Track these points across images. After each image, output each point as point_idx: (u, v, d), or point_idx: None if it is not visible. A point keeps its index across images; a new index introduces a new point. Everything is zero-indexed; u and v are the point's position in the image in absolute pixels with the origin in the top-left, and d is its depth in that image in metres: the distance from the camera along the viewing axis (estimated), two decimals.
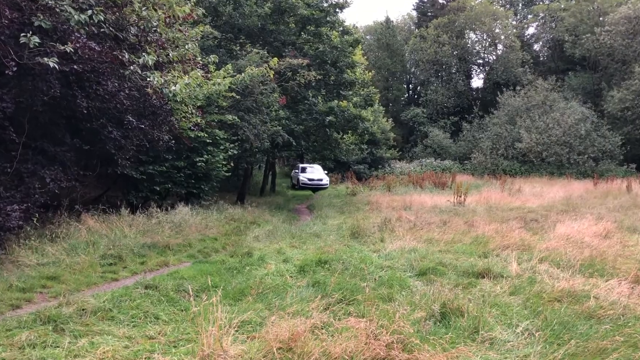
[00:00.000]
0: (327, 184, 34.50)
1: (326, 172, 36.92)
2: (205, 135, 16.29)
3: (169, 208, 14.91)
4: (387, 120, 49.57)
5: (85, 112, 9.78)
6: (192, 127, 14.60)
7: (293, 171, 38.29)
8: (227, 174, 17.81)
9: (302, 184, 33.98)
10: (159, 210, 14.20)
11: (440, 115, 56.95)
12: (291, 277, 8.91)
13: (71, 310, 6.40)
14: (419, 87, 63.43)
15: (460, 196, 20.27)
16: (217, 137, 17.12)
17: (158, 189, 15.81)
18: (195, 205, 16.11)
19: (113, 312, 6.60)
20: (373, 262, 9.59)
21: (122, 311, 6.64)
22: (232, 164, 17.99)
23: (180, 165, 16.23)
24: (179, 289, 7.90)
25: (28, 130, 9.40)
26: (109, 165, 13.17)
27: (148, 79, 10.06)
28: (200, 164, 16.45)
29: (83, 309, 6.51)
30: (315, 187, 33.62)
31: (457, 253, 10.67)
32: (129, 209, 13.39)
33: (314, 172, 35.08)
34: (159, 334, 5.94)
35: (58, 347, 5.34)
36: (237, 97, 17.19)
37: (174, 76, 10.81)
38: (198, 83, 11.68)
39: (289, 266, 9.65)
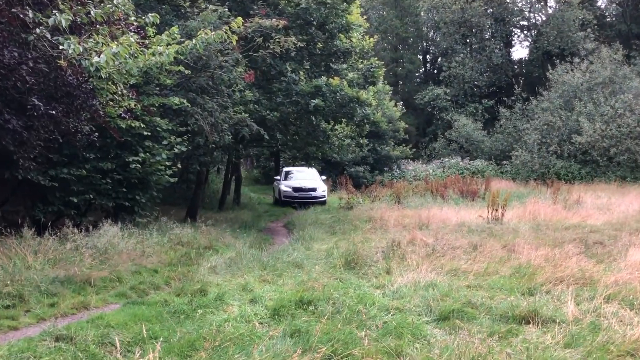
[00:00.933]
0: (324, 196, 34.11)
1: (324, 177, 37.43)
2: (142, 125, 16.25)
3: (91, 228, 14.84)
4: (396, 105, 49.89)
5: None
6: (122, 114, 14.54)
7: (275, 180, 37.86)
8: (171, 180, 17.78)
9: (284, 196, 33.69)
10: (76, 230, 14.11)
11: (469, 97, 57.48)
12: (261, 323, 8.92)
13: None
14: (439, 59, 63.93)
15: (496, 210, 20.40)
16: (158, 129, 17.08)
17: (75, 200, 15.73)
18: (128, 224, 16.03)
19: None
20: (375, 302, 9.61)
21: None
22: (179, 166, 17.94)
23: (107, 168, 16.17)
24: (102, 342, 7.89)
25: None
26: (5, 167, 13.08)
27: (61, 47, 9.99)
28: (134, 165, 16.40)
29: None
30: (304, 200, 32.87)
31: (492, 289, 10.72)
32: (33, 228, 13.29)
33: (303, 179, 34.82)
34: None
35: None
36: (187, 72, 17.15)
37: (97, 43, 10.74)
38: (131, 52, 11.61)
39: (259, 308, 9.66)
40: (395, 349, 7.44)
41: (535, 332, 8.13)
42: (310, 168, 36.24)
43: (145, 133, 16.55)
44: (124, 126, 15.75)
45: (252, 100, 21.72)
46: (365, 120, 26.52)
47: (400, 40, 62.87)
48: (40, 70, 11.04)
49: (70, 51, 10.07)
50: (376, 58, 27.98)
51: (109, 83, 12.62)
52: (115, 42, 10.78)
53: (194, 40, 12.45)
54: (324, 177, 36.75)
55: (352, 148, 36.46)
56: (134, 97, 14.66)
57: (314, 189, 33.65)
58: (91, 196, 16.06)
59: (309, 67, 23.78)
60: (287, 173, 36.00)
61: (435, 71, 64.11)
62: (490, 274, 11.94)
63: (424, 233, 17.30)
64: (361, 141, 35.89)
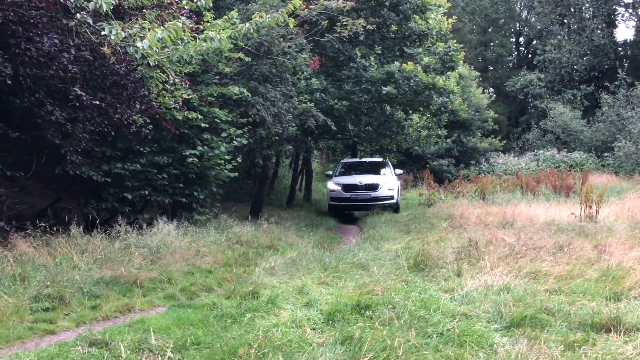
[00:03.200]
0: (391, 197, 26.15)
1: (400, 171, 29.21)
2: (200, 117, 16.36)
3: (145, 225, 15.01)
4: (484, 92, 49.14)
5: (9, 82, 9.87)
6: (175, 105, 14.65)
7: (327, 177, 29.95)
8: (231, 175, 17.84)
9: (331, 198, 26.59)
10: (129, 228, 14.31)
11: (566, 83, 56.18)
12: (313, 329, 8.85)
13: None
14: (534, 42, 62.65)
15: (590, 207, 19.77)
16: (216, 120, 17.16)
17: (130, 197, 15.91)
18: (185, 222, 16.18)
19: None
20: (440, 308, 9.40)
21: None
22: (238, 160, 18.02)
23: (163, 162, 16.33)
24: (140, 348, 7.89)
25: None
26: (56, 162, 13.33)
27: (102, 33, 10.10)
28: (191, 159, 16.52)
29: None
30: (360, 204, 26.17)
31: (574, 294, 10.37)
32: (82, 226, 13.49)
33: (361, 175, 26.98)
34: None
35: None
36: (247, 59, 17.20)
37: (143, 28, 10.81)
38: (180, 38, 11.67)
39: (313, 313, 9.58)
40: (456, 359, 7.27)
41: (616, 342, 7.81)
42: (381, 160, 29.85)
43: (203, 125, 16.66)
44: (180, 118, 15.87)
45: (318, 88, 21.66)
46: (442, 109, 26.14)
47: (490, 21, 61.91)
48: (83, 58, 11.19)
49: (113, 37, 10.17)
50: (455, 40, 27.41)
51: (158, 71, 12.70)
52: (162, 28, 10.81)
53: (247, 24, 12.39)
54: (399, 172, 28.62)
55: (434, 139, 34.51)
56: (188, 86, 14.73)
57: (374, 187, 25.48)
58: (146, 192, 16.22)
59: (380, 52, 23.55)
60: (346, 167, 28.95)
61: (530, 55, 62.89)
62: (574, 277, 11.54)
63: (506, 232, 16.89)
64: (439, 132, 32.58)
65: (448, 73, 27.27)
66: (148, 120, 14.73)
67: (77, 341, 7.94)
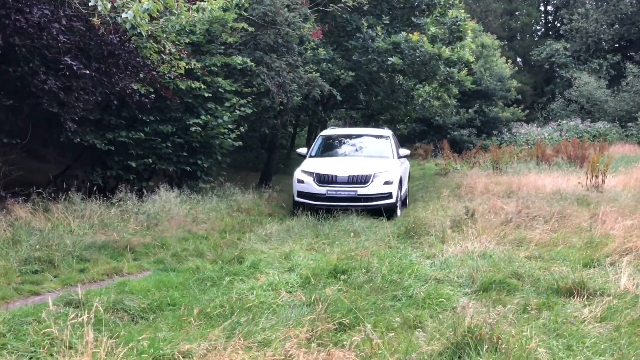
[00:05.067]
0: (388, 194, 17.10)
1: (406, 152, 20.19)
2: (203, 86, 16.57)
3: (149, 193, 15.31)
4: (508, 62, 48.71)
5: (0, 52, 10.15)
6: (171, 75, 14.85)
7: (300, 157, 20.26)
8: (235, 144, 18.06)
9: (297, 196, 17.38)
10: (132, 195, 14.64)
11: (592, 52, 55.40)
12: (290, 292, 9.05)
13: None
14: (561, 11, 61.86)
15: (595, 176, 19.75)
16: (220, 90, 17.36)
17: (134, 165, 16.23)
18: (188, 190, 16.48)
19: (6, 338, 6.90)
20: (415, 272, 9.59)
21: (20, 337, 6.93)
22: (241, 130, 18.21)
23: (167, 131, 16.60)
24: (115, 308, 8.16)
25: None
26: (60, 131, 13.64)
27: (90, 4, 10.32)
28: (195, 128, 16.76)
29: None
30: (337, 204, 16.68)
31: (552, 260, 10.54)
32: (83, 193, 13.82)
33: (346, 158, 18.77)
34: None
35: None
36: (250, 29, 17.35)
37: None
38: (173, 9, 11.87)
39: (292, 277, 9.78)
40: (414, 320, 7.45)
41: (577, 306, 7.95)
42: (381, 131, 20.75)
43: (206, 94, 16.88)
44: (184, 87, 16.11)
45: (325, 58, 21.73)
46: (448, 80, 26.04)
47: None
48: (76, 28, 11.42)
49: (100, 8, 10.39)
50: (463, 10, 27.22)
51: (151, 41, 12.90)
52: None
53: None
54: (405, 152, 20.01)
55: (449, 110, 33.92)
56: (185, 56, 14.92)
57: (363, 179, 16.94)
58: (151, 161, 16.52)
59: (388, 22, 23.50)
60: (328, 143, 19.99)
61: (558, 24, 62.16)
62: (558, 244, 11.67)
63: (508, 201, 16.99)
64: (449, 102, 31.81)
65: (462, 43, 27.06)
66: (151, 90, 14.97)
67: (55, 301, 8.20)
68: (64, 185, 13.95)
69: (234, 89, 17.76)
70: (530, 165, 28.99)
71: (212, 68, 17.15)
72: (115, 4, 10.66)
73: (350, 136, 20.56)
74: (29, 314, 7.64)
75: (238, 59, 17.36)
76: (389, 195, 17.05)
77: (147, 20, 11.17)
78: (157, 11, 10.95)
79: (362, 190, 16.83)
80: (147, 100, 14.44)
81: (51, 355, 6.42)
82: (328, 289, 8.56)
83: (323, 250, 11.86)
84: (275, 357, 6.00)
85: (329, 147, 19.68)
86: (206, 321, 7.55)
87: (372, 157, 18.47)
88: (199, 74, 16.45)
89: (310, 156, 18.76)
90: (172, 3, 11.41)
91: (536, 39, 62.55)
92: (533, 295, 8.50)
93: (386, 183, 17.11)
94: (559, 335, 6.85)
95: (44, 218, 12.35)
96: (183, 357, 6.19)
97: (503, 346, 5.94)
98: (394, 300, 8.45)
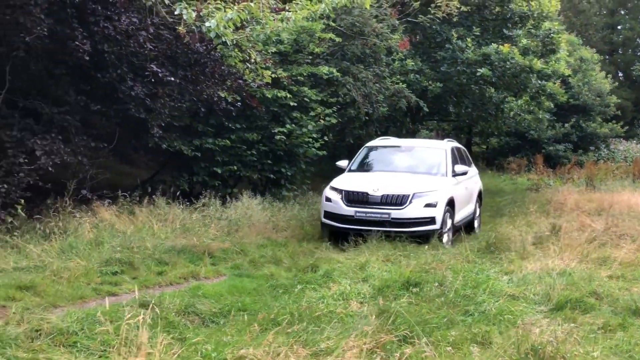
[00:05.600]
0: (430, 220, 14.21)
1: (466, 169, 16.14)
2: (289, 95, 16.75)
3: (233, 200, 15.55)
4: (607, 77, 47.49)
5: (87, 58, 10.51)
6: (254, 85, 15.04)
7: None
8: (319, 153, 18.18)
9: (325, 215, 14.75)
10: (215, 200, 14.94)
11: None
12: (361, 303, 9.06)
13: (20, 331, 6.98)
14: None
15: None
16: (306, 99, 17.51)
17: (219, 171, 16.53)
18: (272, 197, 16.69)
19: (78, 336, 7.12)
20: (490, 288, 9.45)
21: (91, 336, 7.14)
22: (325, 139, 18.31)
23: (252, 139, 16.85)
24: (186, 311, 8.33)
25: (10, 82, 10.28)
26: (142, 135, 14.03)
27: (175, 13, 10.58)
28: (279, 137, 16.94)
29: (37, 330, 7.07)
30: (367, 228, 13.89)
31: (635, 280, 10.28)
32: (164, 197, 14.15)
33: (386, 174, 15.59)
34: None
35: None
36: (337, 39, 17.46)
37: (218, 9, 11.21)
38: (259, 19, 12.05)
39: (365, 288, 9.78)
40: (484, 336, 7.35)
41: None
42: (437, 144, 18.10)
43: (292, 104, 17.05)
44: (269, 96, 16.33)
45: (413, 69, 21.66)
46: (540, 93, 25.53)
47: (619, 2, 59.59)
48: (163, 37, 11.73)
49: (185, 17, 10.64)
50: (557, 22, 26.71)
51: (236, 50, 13.12)
52: (234, 8, 11.19)
53: (323, 4, 12.63)
54: (464, 169, 16.02)
55: (547, 123, 32.75)
56: (270, 65, 15.11)
57: (398, 200, 14.11)
58: (235, 167, 16.78)
59: (479, 34, 23.27)
60: (372, 155, 16.93)
61: None
62: None
63: (597, 219, 16.58)
64: (540, 116, 30.99)
65: (557, 56, 26.53)
66: (237, 98, 15.24)
67: (130, 302, 8.42)
68: (149, 190, 14.30)
69: (319, 98, 17.89)
70: (626, 182, 28.20)
71: (299, 78, 17.32)
72: (200, 13, 10.88)
73: (399, 148, 16.99)
74: (103, 313, 7.85)
75: (324, 69, 17.49)
76: (431, 221, 14.04)
77: (232, 30, 11.34)
78: (243, 20, 11.12)
79: (396, 213, 13.92)
80: (232, 108, 14.69)
81: (119, 354, 6.58)
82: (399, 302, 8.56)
83: (399, 262, 11.78)
84: None
85: (372, 161, 16.63)
86: (273, 327, 7.61)
87: (418, 174, 15.29)
88: (285, 83, 16.63)
89: (350, 170, 15.86)
90: (258, 13, 11.55)
91: (639, 53, 60.83)
92: (609, 316, 8.29)
93: (428, 205, 14.06)
94: (631, 357, 6.67)
95: (128, 221, 12.70)
96: None
97: None
98: (465, 315, 8.35)
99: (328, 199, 14.64)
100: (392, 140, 17.42)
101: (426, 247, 12.89)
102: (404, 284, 9.63)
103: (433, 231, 13.98)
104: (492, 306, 8.59)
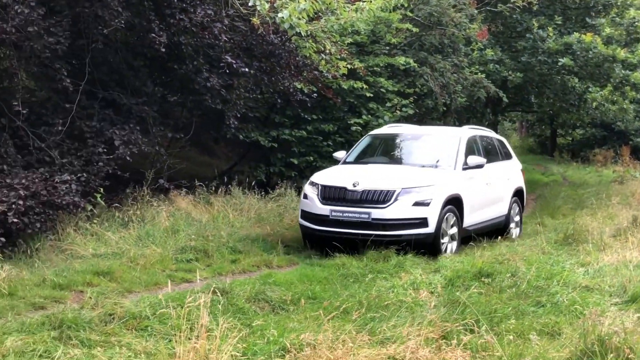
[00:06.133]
0: (421, 221, 11.75)
1: (479, 161, 13.26)
2: (365, 86, 16.76)
3: None
4: None
5: (164, 50, 10.76)
6: (329, 76, 15.09)
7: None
8: None
9: (302, 213, 12.44)
10: (291, 191, 15.13)
11: None
12: (431, 292, 9.03)
13: (94, 315, 7.23)
14: None
15: None
16: (382, 90, 17.49)
17: (296, 162, 16.69)
18: None
19: (150, 320, 7.32)
20: (563, 279, 9.30)
21: (162, 320, 7.33)
22: None
23: (328, 130, 16.95)
24: (256, 298, 8.46)
25: (90, 74, 10.62)
26: (220, 126, 14.28)
27: (249, 4, 10.73)
28: (355, 127, 16.99)
29: (110, 315, 7.31)
30: (346, 233, 11.80)
31: None
32: (240, 187, 14.39)
33: (378, 166, 13.24)
34: (189, 351, 6.49)
35: (48, 357, 6.13)
36: (414, 30, 17.40)
37: (293, 0, 11.31)
38: (333, 9, 12.12)
39: (436, 278, 9.77)
40: (553, 327, 7.27)
41: None
42: (452, 132, 14.99)
43: (368, 94, 17.05)
44: (346, 87, 16.39)
45: (492, 59, 21.39)
46: (623, 83, 24.80)
47: None
48: (239, 29, 11.91)
49: (259, 8, 10.77)
50: None
51: (310, 41, 13.22)
52: None
53: None
54: (478, 161, 13.18)
55: (630, 114, 31.76)
56: (345, 56, 15.15)
57: (380, 197, 11.68)
58: (312, 158, 16.91)
59: (560, 23, 22.80)
60: (373, 145, 14.45)
61: None
62: None
63: None
64: (624, 106, 29.73)
65: (638, 45, 25.74)
66: (314, 89, 15.36)
67: (203, 289, 8.60)
68: (227, 180, 14.54)
69: (396, 89, 17.84)
70: None
71: (375, 68, 17.33)
72: (274, 4, 10.99)
73: (405, 137, 14.24)
74: (176, 298, 8.04)
75: (401, 60, 17.45)
76: (422, 223, 11.59)
77: (305, 21, 11.42)
78: (317, 11, 11.21)
79: (378, 213, 11.47)
80: (308, 99, 14.79)
81: (189, 339, 6.72)
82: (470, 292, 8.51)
83: (473, 254, 11.72)
84: (396, 354, 6.02)
85: (372, 151, 14.15)
86: (342, 315, 7.67)
87: (416, 166, 12.80)
88: (361, 74, 16.65)
89: (345, 162, 13.54)
90: (332, 3, 11.61)
91: None
92: None
93: (419, 204, 11.58)
94: None
95: (204, 210, 12.97)
96: (309, 347, 6.34)
97: (630, 355, 5.69)
98: (537, 306, 8.24)
99: (305, 196, 12.35)
100: (400, 128, 14.61)
101: (504, 243, 12.70)
102: (475, 275, 9.56)
103: (425, 236, 11.56)
104: (565, 297, 8.46)
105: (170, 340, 6.81)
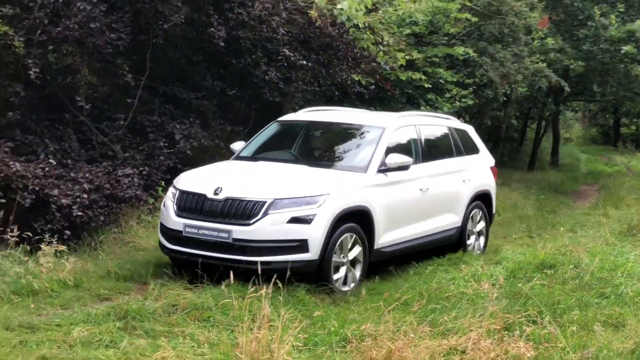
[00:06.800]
0: (297, 245, 8.57)
1: (401, 160, 9.73)
2: (423, 77, 16.70)
3: None
4: None
5: (223, 44, 10.90)
6: (386, 67, 15.08)
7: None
8: None
9: (160, 226, 9.51)
10: None
11: None
12: (493, 284, 8.97)
13: (157, 306, 7.38)
14: None
15: None
16: (441, 80, 17.41)
17: None
18: None
19: (212, 311, 7.44)
20: (628, 271, 9.18)
21: (225, 311, 7.45)
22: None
23: None
24: (317, 290, 8.54)
25: (150, 69, 10.81)
26: (273, 119, 14.43)
27: None
28: None
29: (174, 305, 7.46)
30: (202, 256, 8.72)
31: None
32: None
33: (267, 164, 10.05)
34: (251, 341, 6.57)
35: (114, 347, 6.28)
36: (474, 19, 17.29)
37: None
38: (391, 0, 12.15)
39: (498, 270, 9.73)
40: (617, 318, 7.22)
41: None
42: (376, 120, 10.87)
43: (426, 85, 16.98)
44: (404, 78, 16.33)
45: (553, 48, 21.11)
46: None
47: None
48: (296, 22, 12.00)
49: (317, 0, 10.83)
50: None
51: (368, 33, 13.27)
52: None
53: None
54: (399, 160, 9.66)
55: None
56: (402, 47, 15.13)
57: (248, 209, 8.58)
58: None
59: (623, 10, 22.42)
60: (280, 133, 11.25)
61: None
62: None
63: None
64: None
65: None
66: (372, 81, 15.36)
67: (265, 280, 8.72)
68: None
69: (455, 80, 17.74)
70: None
71: (434, 59, 17.25)
72: None
73: (320, 126, 11.13)
74: (237, 290, 8.12)
75: (460, 50, 17.35)
76: (299, 246, 8.55)
77: (363, 12, 11.45)
78: (375, 3, 11.24)
79: (240, 232, 8.51)
80: (365, 91, 14.81)
81: (250, 329, 6.80)
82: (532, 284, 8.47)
83: (535, 245, 11.62)
84: (458, 345, 6.04)
85: (276, 143, 10.99)
86: (402, 307, 7.69)
87: (322, 167, 9.78)
88: (419, 65, 16.60)
89: (238, 157, 10.48)
90: None
91: None
92: None
93: (295, 221, 8.56)
94: None
95: None
96: (370, 338, 6.38)
97: None
98: (600, 297, 8.18)
99: (164, 203, 9.49)
100: (316, 114, 11.24)
101: (567, 234, 12.49)
102: (537, 267, 9.49)
103: (304, 264, 8.55)
104: (629, 289, 8.38)
105: (232, 331, 6.92)
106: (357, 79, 14.77)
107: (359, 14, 11.22)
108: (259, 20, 11.41)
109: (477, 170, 11.88)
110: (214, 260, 8.60)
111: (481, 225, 11.88)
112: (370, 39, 13.49)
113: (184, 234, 8.79)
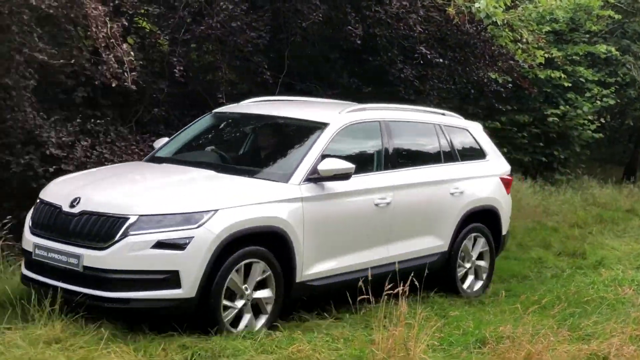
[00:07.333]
0: (162, 278, 6.22)
1: (339, 166, 7.23)
2: (563, 76, 16.32)
3: None
4: None
5: (359, 42, 10.98)
6: (525, 65, 14.77)
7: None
8: (595, 136, 17.64)
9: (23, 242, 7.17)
10: None
11: None
12: (635, 290, 8.74)
13: None
14: None
15: None
16: (581, 79, 16.97)
17: None
18: (540, 180, 16.45)
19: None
20: None
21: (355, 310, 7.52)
22: (602, 121, 17.64)
23: (523, 121, 16.70)
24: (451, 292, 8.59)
25: (288, 67, 11.02)
26: None
27: None
28: (552, 118, 16.61)
29: None
30: (46, 280, 6.57)
31: None
32: None
33: (160, 172, 7.74)
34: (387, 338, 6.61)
35: (251, 338, 6.44)
36: (617, 16, 16.78)
37: None
38: None
39: None
40: None
41: None
42: (320, 116, 8.14)
43: (566, 84, 16.60)
44: (542, 77, 16.02)
45: None
46: None
47: None
48: (432, 19, 11.96)
49: None
50: None
51: (507, 30, 13.04)
52: None
53: None
54: (335, 166, 7.14)
55: None
56: (543, 45, 14.77)
57: (104, 228, 6.27)
58: (506, 150, 16.63)
59: None
60: (213, 128, 9.06)
61: None
62: None
63: None
64: None
65: None
66: (509, 79, 15.10)
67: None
68: None
69: (596, 78, 17.32)
70: None
71: (574, 57, 16.87)
72: None
73: (253, 119, 9.01)
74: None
75: (602, 48, 16.89)
76: (169, 279, 6.27)
77: (502, 9, 11.31)
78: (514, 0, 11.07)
79: (92, 258, 6.29)
80: (503, 89, 14.57)
81: (384, 326, 6.84)
82: None
83: None
84: (599, 350, 5.89)
85: (202, 140, 8.88)
86: (540, 310, 7.56)
87: (231, 175, 7.39)
88: (559, 63, 16.22)
89: (153, 157, 8.35)
90: None
91: None
92: None
93: (161, 246, 6.25)
94: None
95: None
96: (508, 340, 6.30)
97: None
98: None
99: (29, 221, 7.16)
100: (257, 107, 9.08)
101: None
102: None
103: (175, 303, 6.34)
104: None
105: (366, 327, 6.99)
106: (493, 77, 14.54)
107: (497, 11, 11.09)
108: (396, 18, 11.40)
109: (476, 180, 9.30)
110: (64, 294, 6.26)
111: (476, 252, 9.20)
112: (509, 37, 13.24)
113: (33, 256, 6.72)
